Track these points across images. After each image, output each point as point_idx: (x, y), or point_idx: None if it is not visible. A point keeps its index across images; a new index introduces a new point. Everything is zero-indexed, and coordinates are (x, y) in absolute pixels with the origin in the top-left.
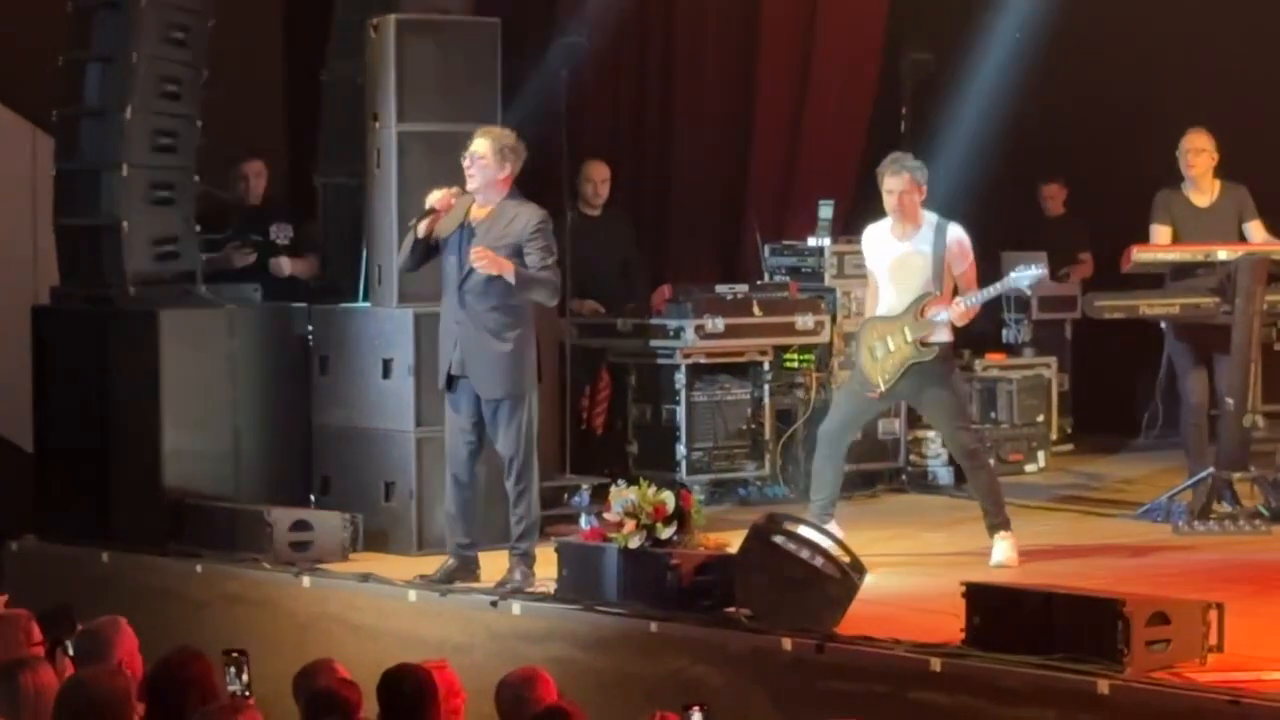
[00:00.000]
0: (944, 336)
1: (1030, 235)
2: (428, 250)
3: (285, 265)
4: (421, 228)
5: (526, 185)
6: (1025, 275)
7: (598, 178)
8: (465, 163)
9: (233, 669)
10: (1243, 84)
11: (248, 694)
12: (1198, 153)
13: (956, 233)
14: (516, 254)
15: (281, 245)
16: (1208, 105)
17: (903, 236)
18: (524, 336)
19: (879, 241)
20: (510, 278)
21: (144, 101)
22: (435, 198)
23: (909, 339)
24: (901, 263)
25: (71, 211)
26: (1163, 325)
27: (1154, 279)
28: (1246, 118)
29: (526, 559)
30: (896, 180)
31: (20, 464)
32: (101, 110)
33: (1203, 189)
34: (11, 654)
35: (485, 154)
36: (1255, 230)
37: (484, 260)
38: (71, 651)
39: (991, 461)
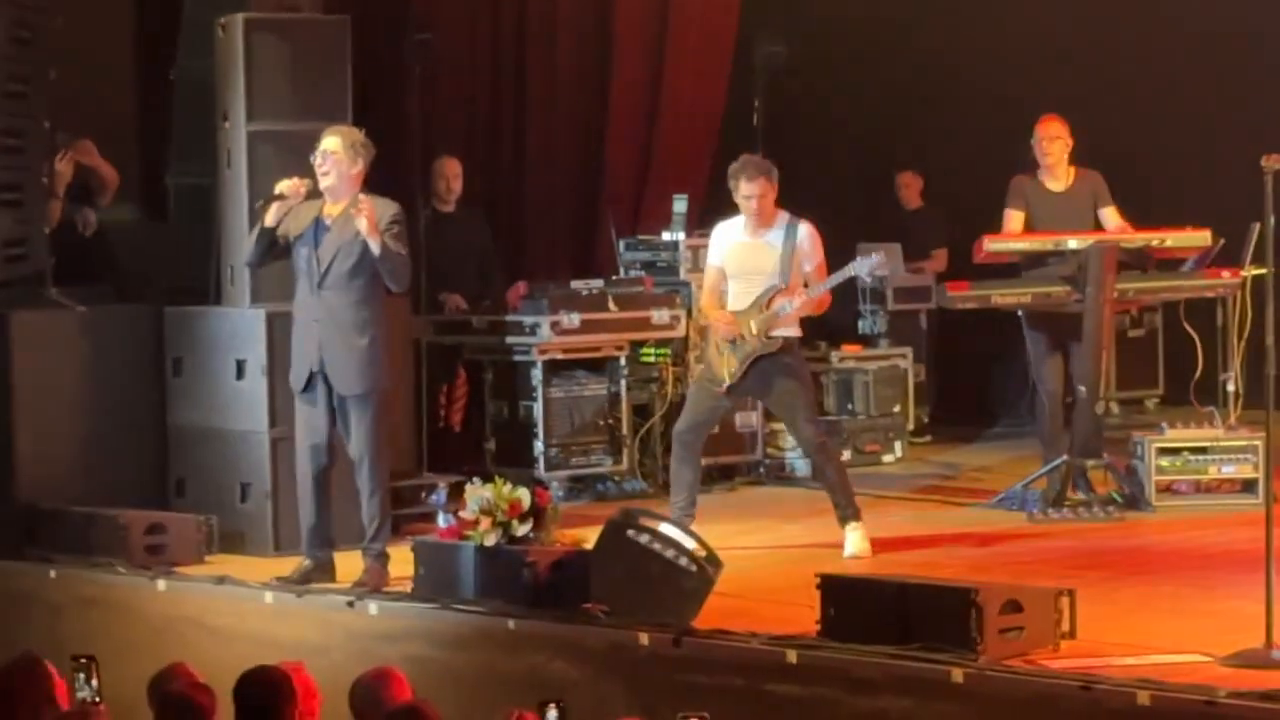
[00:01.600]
0: (789, 330)
1: (889, 227)
2: (274, 245)
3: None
4: (270, 215)
5: (380, 183)
6: (864, 263)
7: (450, 174)
8: (317, 161)
9: (81, 675)
10: (1092, 69)
11: (98, 699)
12: (1052, 139)
13: (807, 230)
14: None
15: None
16: (1059, 91)
17: (754, 234)
18: (380, 334)
19: (729, 238)
20: (376, 247)
21: None
22: (285, 185)
23: (754, 331)
24: (750, 258)
25: None
26: (1019, 313)
27: (1008, 268)
28: (1096, 103)
29: (381, 558)
30: (753, 185)
31: None
32: None
33: (1058, 175)
34: None
35: (338, 150)
36: (1110, 216)
37: (366, 218)
38: None
39: (847, 454)
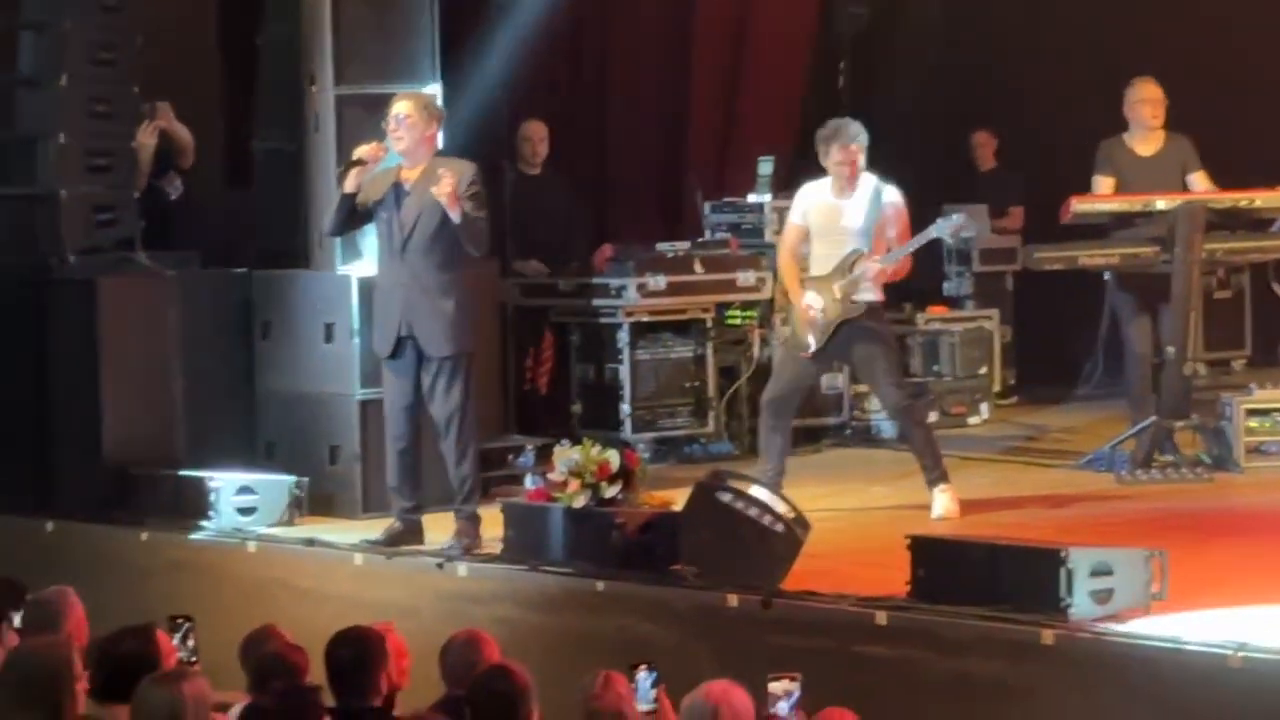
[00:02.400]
0: (873, 294)
1: (965, 188)
2: (354, 213)
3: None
4: (349, 182)
5: (466, 146)
6: (945, 225)
7: (535, 137)
8: (390, 126)
9: (178, 636)
10: (1175, 28)
11: (194, 660)
12: (1144, 103)
13: (892, 196)
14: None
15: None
16: (1136, 50)
17: (839, 195)
18: (466, 296)
19: (814, 198)
20: (456, 216)
21: (79, 70)
22: (363, 150)
23: (838, 296)
24: (834, 219)
25: (8, 181)
26: (1105, 276)
27: (1095, 229)
28: (1180, 63)
29: (471, 520)
30: (847, 152)
31: None
32: (36, 79)
33: (1149, 140)
34: None
35: (411, 113)
36: (1199, 181)
37: (448, 188)
38: (18, 623)
39: (934, 416)
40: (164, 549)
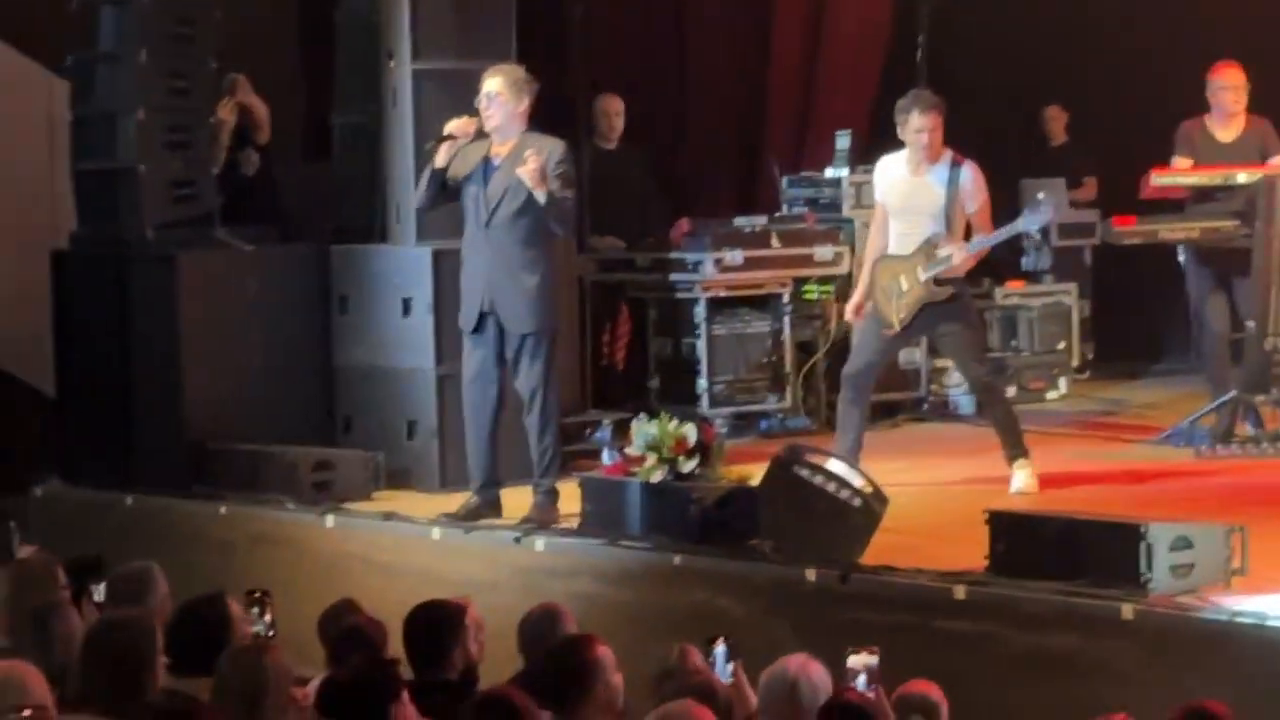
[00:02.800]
0: (956, 273)
1: (1038, 161)
2: (444, 188)
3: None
4: (440, 156)
5: (543, 121)
6: (1033, 219)
7: (612, 111)
8: (482, 104)
9: (255, 609)
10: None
11: (271, 633)
12: (1237, 89)
13: (970, 171)
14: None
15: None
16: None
17: (917, 171)
18: (550, 273)
19: (893, 174)
20: (542, 197)
21: (157, 45)
22: (454, 124)
23: (921, 279)
24: (912, 196)
25: (88, 156)
26: (1180, 254)
27: (1172, 206)
28: (1253, 41)
29: (550, 495)
30: (925, 119)
31: (43, 409)
32: (116, 54)
33: (1229, 124)
34: (40, 600)
35: (502, 90)
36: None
37: (533, 168)
38: (103, 597)
39: (1012, 391)
40: (243, 523)
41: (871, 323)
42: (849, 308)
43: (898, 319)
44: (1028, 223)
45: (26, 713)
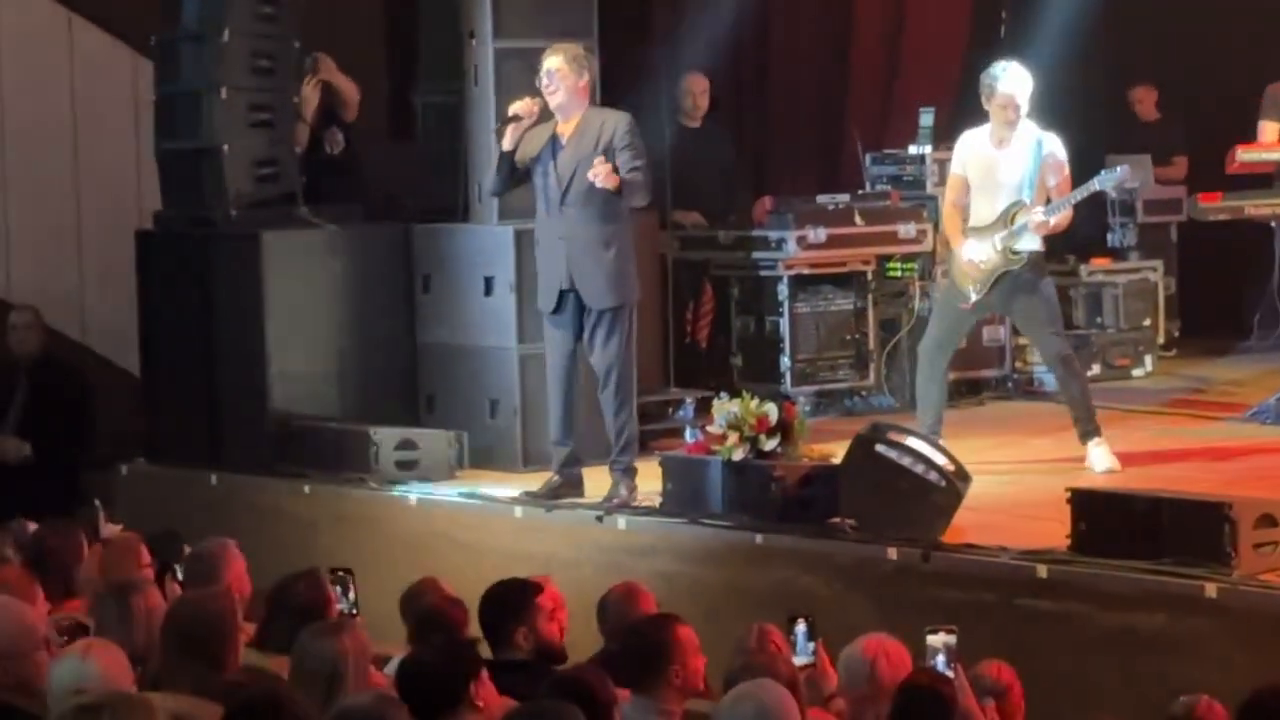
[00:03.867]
0: (1033, 244)
1: (1127, 138)
2: (514, 171)
3: None
4: (507, 139)
5: (627, 100)
6: (1109, 177)
7: (697, 90)
8: (543, 82)
9: (339, 587)
10: None
11: (354, 612)
12: None
13: (1053, 145)
14: (610, 159)
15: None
16: None
17: (1000, 145)
18: (626, 247)
19: (976, 149)
20: (616, 188)
21: (241, 24)
22: (518, 105)
23: (998, 248)
24: (994, 170)
25: (172, 136)
26: (1272, 225)
27: (1262, 179)
28: None
29: (629, 473)
30: (1014, 90)
31: (129, 388)
32: (199, 34)
33: None
34: (123, 576)
35: (562, 66)
36: None
37: (603, 173)
38: (181, 575)
39: (1097, 368)
40: (326, 502)
41: (948, 296)
42: (960, 250)
43: (974, 290)
44: (1102, 181)
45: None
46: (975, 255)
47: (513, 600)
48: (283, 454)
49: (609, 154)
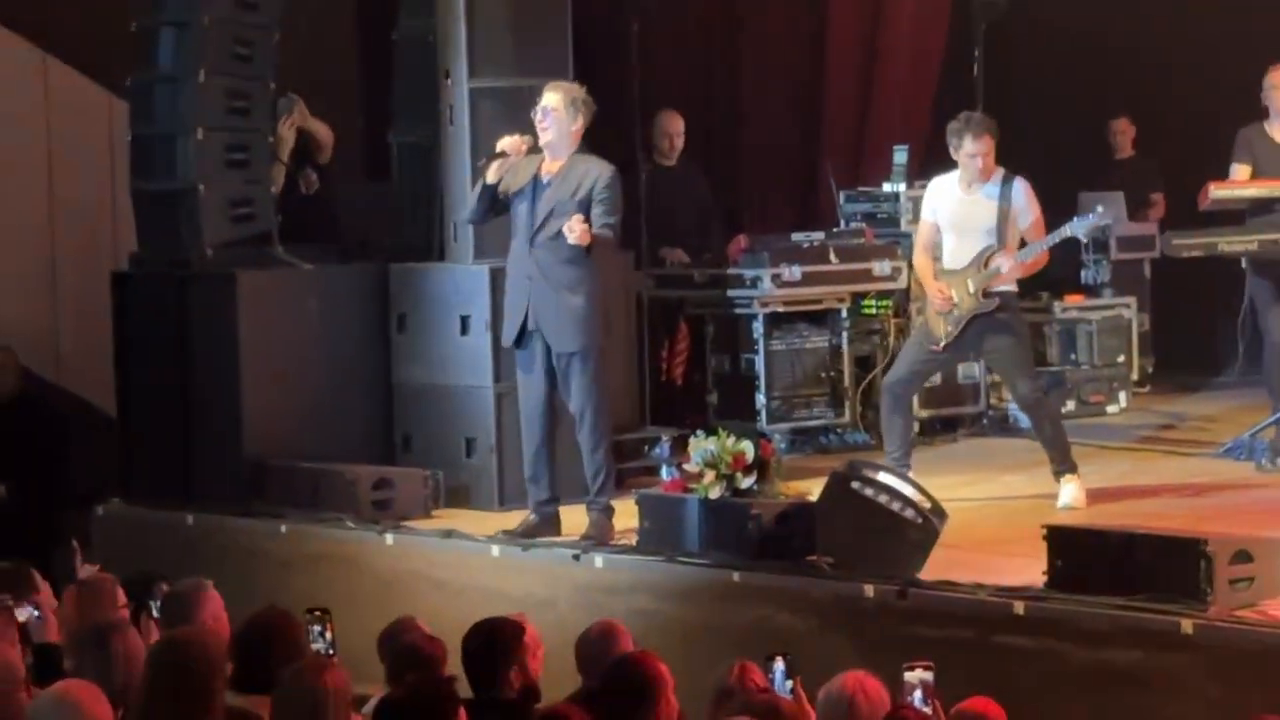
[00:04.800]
0: (1006, 286)
1: (1102, 176)
2: (495, 202)
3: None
4: (492, 172)
5: (600, 139)
6: (1081, 224)
7: (673, 130)
8: (538, 117)
9: (316, 627)
10: None
11: (332, 652)
12: None
13: (1022, 186)
14: (586, 208)
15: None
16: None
17: (969, 189)
18: (594, 289)
19: (946, 193)
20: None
21: (217, 65)
22: (507, 142)
23: (971, 291)
24: (966, 214)
25: (148, 177)
26: (1243, 262)
27: (1233, 215)
28: None
29: (606, 511)
30: (979, 144)
31: (105, 429)
32: (175, 75)
33: None
34: (100, 618)
35: (558, 106)
36: None
37: (578, 231)
38: (157, 614)
39: (1071, 405)
40: (303, 541)
41: (920, 335)
42: (932, 288)
43: (945, 334)
44: (1074, 227)
45: None
46: (949, 298)
47: (504, 639)
48: (259, 494)
49: (587, 203)
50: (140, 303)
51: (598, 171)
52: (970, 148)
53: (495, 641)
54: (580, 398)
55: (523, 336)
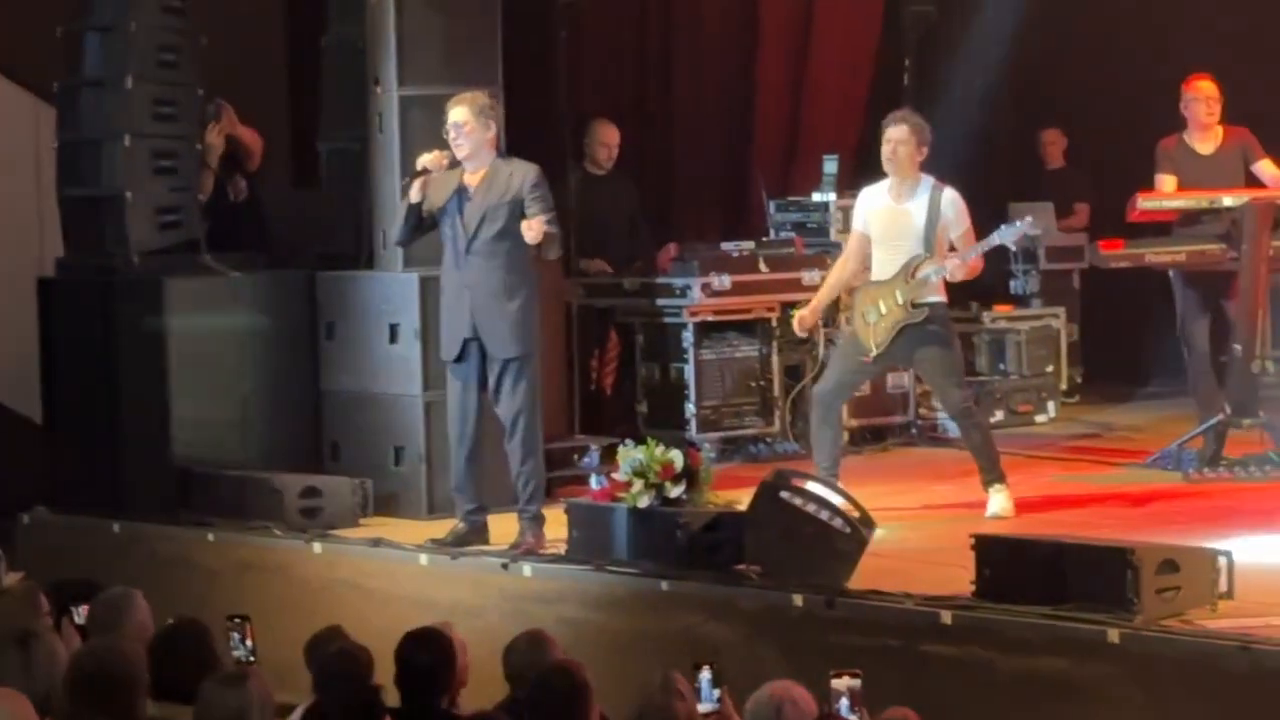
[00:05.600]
0: (935, 296)
1: (1031, 186)
2: (421, 221)
3: None
4: (414, 191)
5: (530, 147)
6: (1008, 232)
7: (609, 141)
8: (450, 135)
9: (236, 634)
10: (1238, 25)
11: (252, 659)
12: (1201, 100)
13: (951, 196)
14: (517, 209)
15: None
16: (1202, 48)
17: (898, 199)
18: (531, 297)
19: (875, 203)
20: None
21: (144, 71)
22: (427, 158)
23: (900, 301)
24: (893, 224)
25: (75, 183)
26: (1171, 274)
27: (1161, 227)
28: (1243, 59)
29: (535, 521)
30: (896, 130)
31: (30, 436)
32: (102, 81)
33: (1207, 136)
34: (23, 625)
35: (468, 119)
36: (1265, 169)
37: (535, 228)
38: (83, 621)
39: (1000, 414)
40: (230, 550)
41: (849, 345)
42: (795, 317)
43: (874, 343)
44: (1002, 235)
45: None
46: (878, 308)
47: (450, 647)
48: (186, 502)
49: (518, 204)
50: (67, 309)
51: (523, 172)
52: (888, 134)
53: (443, 651)
54: (514, 405)
55: (463, 348)
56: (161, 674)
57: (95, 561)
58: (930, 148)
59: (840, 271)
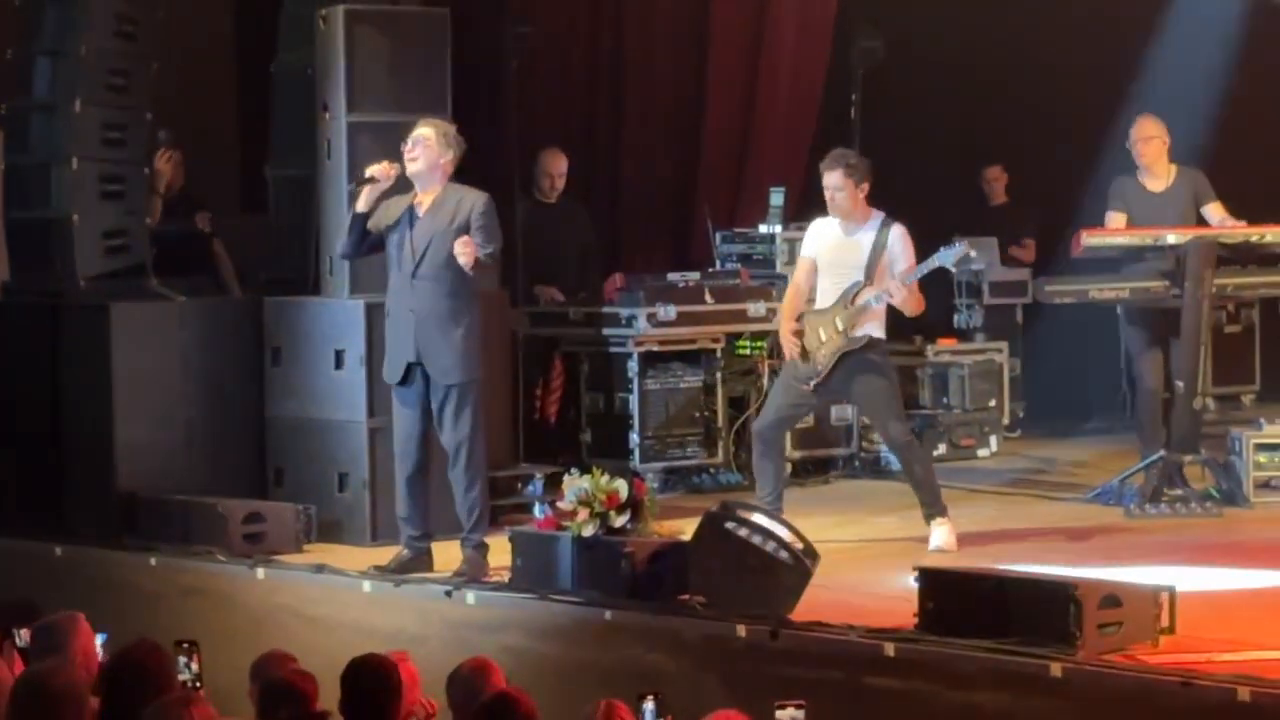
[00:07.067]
0: (874, 329)
1: (977, 222)
2: (366, 235)
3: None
4: (362, 200)
5: (478, 175)
6: (949, 254)
7: (555, 170)
8: (408, 147)
9: (183, 659)
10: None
11: (198, 684)
12: (1147, 140)
13: (899, 232)
14: (465, 234)
15: (209, 232)
16: (1148, 87)
17: (847, 231)
18: (475, 324)
19: (826, 234)
20: (469, 269)
21: (93, 95)
22: (376, 168)
23: (840, 328)
24: (840, 254)
25: (21, 205)
26: (1119, 310)
27: (1106, 264)
28: (1191, 99)
29: (479, 548)
30: (831, 176)
31: None
32: (50, 104)
33: (1157, 174)
34: None
35: (430, 136)
36: (1214, 211)
37: (468, 252)
38: (26, 643)
39: (942, 448)
40: (173, 575)
41: (788, 376)
42: (786, 347)
43: (814, 371)
44: (942, 257)
45: None
46: (818, 335)
47: (395, 674)
48: (129, 526)
49: (465, 230)
50: (12, 333)
51: (473, 199)
52: (825, 180)
53: (388, 678)
54: (458, 432)
55: (407, 373)
56: (115, 698)
57: (37, 585)
58: (871, 183)
59: (795, 299)
